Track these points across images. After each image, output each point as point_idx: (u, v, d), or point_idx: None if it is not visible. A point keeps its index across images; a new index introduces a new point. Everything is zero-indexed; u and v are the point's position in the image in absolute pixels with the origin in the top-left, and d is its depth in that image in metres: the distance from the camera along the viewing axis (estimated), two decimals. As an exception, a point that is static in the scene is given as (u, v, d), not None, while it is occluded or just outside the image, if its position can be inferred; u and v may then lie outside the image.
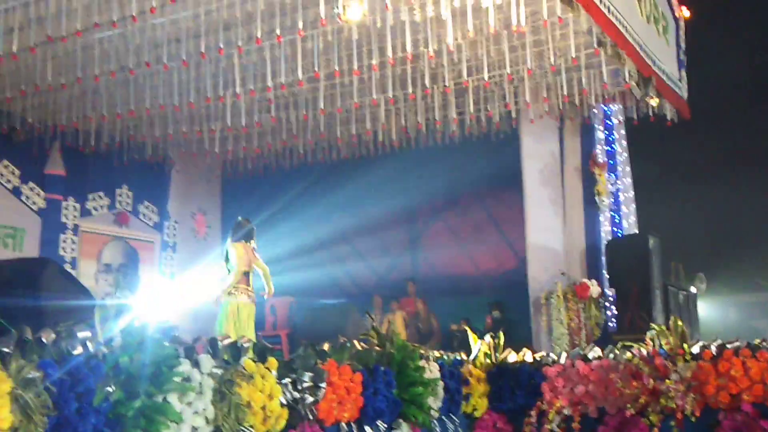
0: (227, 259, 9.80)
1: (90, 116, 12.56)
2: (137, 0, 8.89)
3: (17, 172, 13.67)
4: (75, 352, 4.24)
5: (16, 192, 13.64)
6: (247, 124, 12.38)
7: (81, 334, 4.36)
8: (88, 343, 4.36)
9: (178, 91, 11.31)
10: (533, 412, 7.98)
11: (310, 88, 11.45)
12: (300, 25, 9.22)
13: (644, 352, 7.54)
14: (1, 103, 12.34)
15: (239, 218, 10.21)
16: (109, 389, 4.31)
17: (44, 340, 4.18)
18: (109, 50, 10.25)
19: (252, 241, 9.97)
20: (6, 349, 3.91)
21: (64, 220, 14.29)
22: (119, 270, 14.84)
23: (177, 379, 4.68)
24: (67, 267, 13.58)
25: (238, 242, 9.85)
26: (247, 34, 9.76)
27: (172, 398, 4.63)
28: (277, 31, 9.34)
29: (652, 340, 7.66)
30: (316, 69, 10.23)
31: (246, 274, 9.73)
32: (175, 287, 14.74)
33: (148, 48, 10.32)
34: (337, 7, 9.08)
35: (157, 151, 14.65)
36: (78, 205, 14.54)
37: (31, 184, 13.83)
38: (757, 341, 7.21)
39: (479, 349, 8.57)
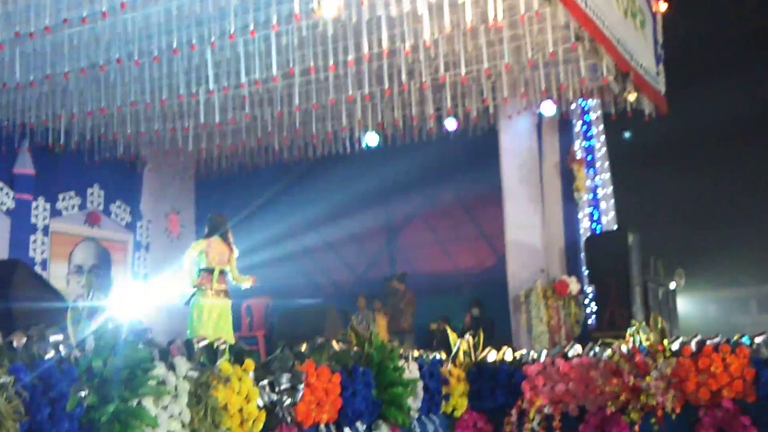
0: (200, 259, 9.44)
1: (60, 114, 12.36)
2: (108, -5, 8.75)
3: (-15, 172, 13.44)
4: (47, 356, 4.19)
5: (-16, 192, 13.42)
6: (221, 122, 12.25)
7: (53, 338, 4.30)
8: (60, 347, 4.30)
9: (150, 88, 11.14)
10: (513, 411, 7.97)
11: (285, 84, 11.34)
12: (274, 20, 9.11)
13: (624, 349, 7.54)
14: (-32, 102, 12.10)
15: (211, 213, 9.87)
16: (82, 393, 4.23)
17: (15, 344, 4.14)
18: (79, 47, 10.05)
19: (227, 236, 9.52)
20: (-25, 354, 3.81)
21: (34, 220, 14.04)
22: (91, 271, 14.62)
23: (152, 382, 4.61)
24: (38, 269, 13.36)
25: (209, 238, 9.42)
26: (221, 29, 9.63)
27: (147, 402, 4.56)
28: (251, 27, 9.22)
29: (632, 336, 7.66)
30: (291, 65, 10.12)
31: (212, 271, 9.27)
32: (149, 288, 14.55)
33: (119, 44, 10.15)
34: (312, 2, 8.96)
35: (129, 149, 14.46)
36: (48, 205, 14.30)
37: (0, 184, 13.59)
38: (736, 337, 7.24)
39: (459, 348, 8.53)
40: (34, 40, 9.79)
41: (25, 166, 13.84)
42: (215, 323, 9.10)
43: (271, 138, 13.81)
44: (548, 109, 12.59)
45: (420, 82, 11.37)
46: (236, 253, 9.57)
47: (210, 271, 9.25)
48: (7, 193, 13.66)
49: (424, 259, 15.85)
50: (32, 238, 13.96)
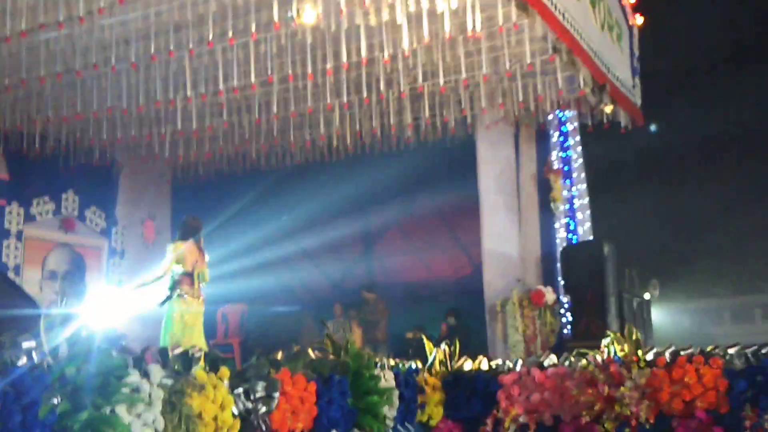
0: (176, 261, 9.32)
1: (35, 119, 12.25)
2: (85, 0, 8.67)
3: (-42, 176, 13.30)
4: (19, 363, 4.14)
5: (-43, 197, 13.27)
6: (199, 128, 12.18)
7: (25, 345, 4.25)
8: (33, 354, 4.25)
9: (127, 93, 11.06)
10: (489, 421, 7.97)
11: (264, 92, 11.31)
12: (253, 27, 9.09)
13: (599, 359, 7.57)
14: (-59, 106, 11.97)
15: (185, 216, 9.74)
16: (55, 401, 4.19)
17: (-14, 350, 4.05)
18: (55, 51, 9.97)
19: (200, 240, 9.40)
20: (-54, 361, 3.76)
21: (7, 225, 13.88)
22: (65, 277, 14.49)
23: (125, 390, 4.57)
24: (11, 274, 13.21)
25: (183, 241, 9.31)
26: (199, 36, 9.58)
27: (121, 410, 4.51)
28: (230, 34, 9.19)
29: (607, 347, 7.68)
30: (270, 73, 10.11)
31: (190, 275, 9.18)
32: (123, 295, 14.42)
33: (96, 49, 10.06)
34: (291, 11, 8.95)
35: (104, 155, 14.33)
36: (22, 210, 14.14)
37: (-27, 189, 13.47)
38: (709, 348, 7.29)
39: (435, 357, 8.52)
40: (10, 45, 9.71)
41: (-2, 170, 13.72)
42: (191, 328, 9.02)
43: (248, 145, 13.77)
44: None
45: (398, 92, 11.38)
46: (207, 258, 9.50)
47: (189, 274, 9.16)
48: (-20, 198, 13.55)
49: (401, 267, 15.85)
50: (5, 243, 13.79)
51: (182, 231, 9.50)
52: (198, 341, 8.91)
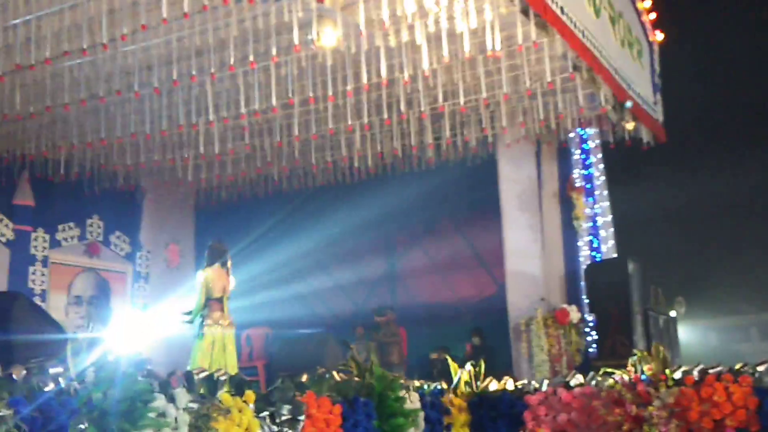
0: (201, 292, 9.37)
1: (60, 145, 12.39)
2: (108, 27, 8.76)
3: (-15, 203, 13.44)
4: (46, 389, 4.13)
5: (-17, 223, 13.40)
6: (221, 152, 12.28)
7: (52, 370, 4.26)
8: (60, 379, 4.24)
9: (150, 118, 11.19)
10: (516, 442, 7.88)
11: (285, 114, 11.38)
12: (273, 51, 9.14)
13: (626, 378, 7.48)
14: (-32, 133, 12.12)
15: (211, 242, 9.84)
16: (82, 426, 4.18)
17: (15, 376, 4.09)
18: (79, 78, 10.09)
19: (227, 265, 9.52)
20: (-24, 387, 3.78)
21: (33, 251, 14.02)
22: (90, 302, 14.59)
23: (152, 414, 4.56)
24: (37, 300, 13.32)
25: (210, 267, 9.44)
26: (220, 60, 9.66)
27: (147, 435, 4.49)
28: (251, 58, 9.24)
29: (634, 365, 7.60)
30: (290, 95, 10.14)
31: (220, 300, 9.33)
32: (148, 319, 14.50)
33: (119, 75, 10.20)
34: (311, 33, 9.01)
35: (128, 179, 14.49)
36: (47, 236, 14.30)
37: (-1, 215, 13.60)
38: (738, 366, 7.18)
39: (460, 378, 8.46)
40: (35, 72, 9.83)
41: (24, 197, 13.85)
42: (220, 352, 9.09)
43: (270, 168, 13.84)
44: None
45: (419, 112, 11.41)
46: (233, 283, 9.57)
47: (219, 300, 9.28)
48: (6, 225, 13.66)
49: (424, 288, 15.79)
50: (31, 269, 13.93)
51: (209, 257, 9.59)
52: (230, 364, 9.00)
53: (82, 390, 4.32)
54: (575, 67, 10.14)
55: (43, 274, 14.08)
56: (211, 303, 9.25)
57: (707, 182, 14.29)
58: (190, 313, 9.38)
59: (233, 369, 8.85)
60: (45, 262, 14.18)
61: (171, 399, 4.80)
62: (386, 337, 13.67)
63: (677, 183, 14.44)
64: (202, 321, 9.22)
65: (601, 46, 10.48)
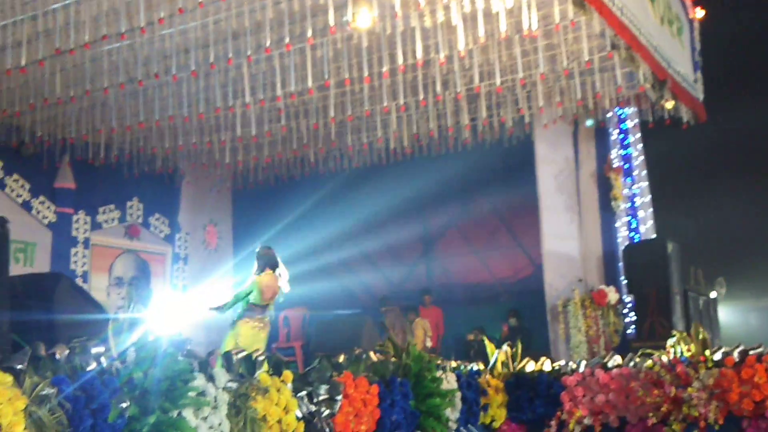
0: (249, 291, 9.30)
1: (99, 129, 12.52)
2: (146, 11, 8.83)
3: (27, 186, 13.64)
4: (89, 368, 4.18)
5: (26, 206, 13.60)
6: (258, 134, 12.32)
7: (94, 350, 4.31)
8: (102, 359, 4.30)
9: (187, 101, 11.26)
10: (553, 423, 7.86)
11: (321, 96, 11.39)
12: (309, 33, 9.14)
13: (665, 359, 7.42)
14: (10, 117, 12.29)
15: (259, 247, 9.74)
16: (124, 405, 4.24)
17: (58, 355, 4.15)
18: (117, 62, 10.20)
19: (277, 269, 9.46)
20: (20, 366, 3.86)
21: (74, 233, 14.25)
22: (131, 283, 14.80)
23: (192, 393, 4.61)
24: (79, 281, 13.54)
25: (264, 273, 9.38)
26: (257, 43, 9.69)
27: (187, 413, 4.56)
28: (287, 40, 9.26)
29: (673, 347, 7.54)
30: (326, 77, 10.16)
31: (265, 307, 9.34)
32: (187, 300, 14.67)
33: (156, 59, 10.27)
34: (347, 15, 8.99)
35: (167, 162, 14.62)
36: (89, 219, 14.51)
37: (42, 198, 13.80)
38: (780, 347, 7.10)
39: (497, 359, 8.47)
40: (74, 56, 9.94)
41: (65, 180, 14.06)
42: (250, 348, 9.12)
43: (306, 150, 13.88)
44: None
45: (455, 93, 11.34)
46: (288, 287, 9.55)
47: (263, 307, 9.32)
48: (48, 207, 13.88)
49: (461, 269, 15.80)
50: (73, 250, 14.16)
51: (260, 263, 9.54)
52: None
53: (123, 369, 4.38)
54: (613, 46, 9.99)
55: (84, 256, 14.30)
56: (256, 307, 9.26)
57: (749, 162, 14.08)
58: (219, 308, 9.40)
59: None
60: (87, 243, 14.39)
61: (210, 378, 4.86)
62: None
63: (717, 162, 14.24)
64: (241, 314, 9.24)
65: (640, 23, 10.32)
